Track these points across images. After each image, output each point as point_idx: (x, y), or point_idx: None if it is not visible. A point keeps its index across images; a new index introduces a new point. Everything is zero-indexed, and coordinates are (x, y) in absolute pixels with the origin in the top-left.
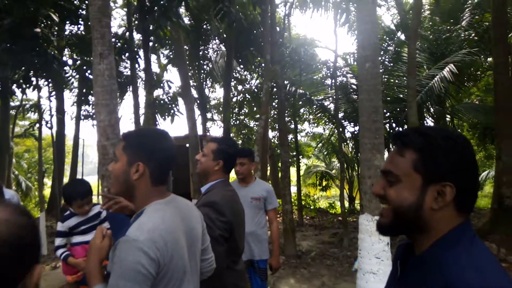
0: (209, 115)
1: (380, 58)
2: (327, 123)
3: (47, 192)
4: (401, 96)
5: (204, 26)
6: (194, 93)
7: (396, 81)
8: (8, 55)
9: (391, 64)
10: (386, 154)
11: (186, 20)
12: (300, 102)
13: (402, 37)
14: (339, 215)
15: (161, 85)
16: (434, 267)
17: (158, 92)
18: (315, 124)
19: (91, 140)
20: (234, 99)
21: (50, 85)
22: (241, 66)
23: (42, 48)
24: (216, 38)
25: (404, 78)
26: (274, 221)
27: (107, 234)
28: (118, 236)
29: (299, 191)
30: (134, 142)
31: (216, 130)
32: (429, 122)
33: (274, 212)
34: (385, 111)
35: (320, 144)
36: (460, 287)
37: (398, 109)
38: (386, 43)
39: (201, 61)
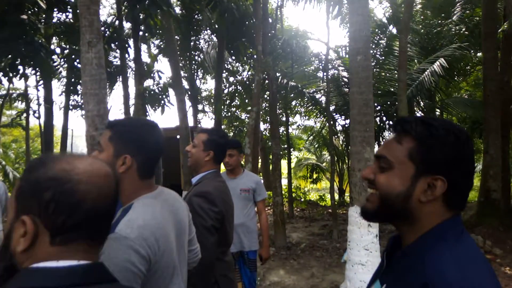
0: (200, 107)
1: (371, 51)
2: (318, 116)
3: None
4: (392, 89)
5: (196, 16)
6: (185, 84)
7: (387, 74)
8: None
9: (383, 57)
10: (376, 147)
11: (177, 10)
12: (292, 95)
13: (394, 30)
14: (329, 208)
15: (152, 75)
16: (416, 261)
17: (148, 83)
18: (307, 117)
19: (80, 131)
20: (226, 91)
21: (38, 74)
22: (233, 58)
23: (29, 36)
24: (208, 28)
25: (395, 71)
26: (263, 212)
27: None
28: None
29: (289, 184)
30: (122, 132)
31: (208, 122)
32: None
33: (263, 204)
34: (375, 104)
35: (311, 137)
36: (438, 284)
37: (388, 102)
38: (378, 37)
39: (192, 52)
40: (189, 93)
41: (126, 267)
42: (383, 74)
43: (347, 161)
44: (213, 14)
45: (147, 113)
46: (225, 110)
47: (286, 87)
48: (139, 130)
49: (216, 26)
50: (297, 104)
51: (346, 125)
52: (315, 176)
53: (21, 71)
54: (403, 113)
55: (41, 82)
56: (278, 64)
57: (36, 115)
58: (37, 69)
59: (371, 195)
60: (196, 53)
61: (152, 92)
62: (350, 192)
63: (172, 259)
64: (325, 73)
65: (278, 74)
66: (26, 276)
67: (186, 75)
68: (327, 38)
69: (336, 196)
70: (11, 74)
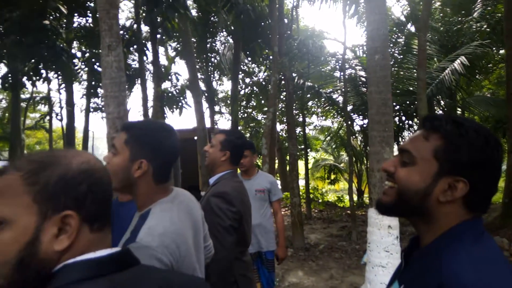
0: (216, 108)
1: (389, 50)
2: (335, 116)
3: None
4: (411, 88)
5: (212, 18)
6: (202, 86)
7: (406, 73)
8: (17, 47)
9: (401, 56)
10: (395, 147)
11: (194, 12)
12: (308, 95)
13: (412, 28)
14: (348, 209)
15: (169, 77)
16: (433, 262)
17: (166, 85)
18: (324, 117)
19: (100, 133)
20: (242, 92)
21: (60, 77)
22: (249, 59)
23: (51, 41)
24: (224, 30)
25: (414, 70)
26: (279, 212)
27: None
28: (118, 229)
29: (307, 184)
30: (139, 136)
31: (224, 123)
32: None
33: (279, 203)
34: (394, 104)
35: (329, 138)
36: (453, 285)
37: (407, 102)
38: (396, 35)
39: (208, 54)
40: (206, 94)
41: None
42: (402, 73)
43: (365, 161)
44: (229, 16)
45: (165, 115)
46: (242, 111)
47: (303, 87)
48: (155, 134)
49: (232, 27)
50: (314, 105)
51: (364, 125)
52: (332, 177)
53: (44, 75)
54: (422, 113)
55: (63, 85)
56: (294, 64)
57: (59, 117)
58: (59, 73)
59: (389, 189)
60: (212, 55)
61: (170, 94)
62: (369, 193)
63: (192, 262)
64: (342, 73)
65: (294, 75)
66: (71, 271)
67: (202, 77)
68: (344, 37)
69: (355, 197)
70: (34, 78)
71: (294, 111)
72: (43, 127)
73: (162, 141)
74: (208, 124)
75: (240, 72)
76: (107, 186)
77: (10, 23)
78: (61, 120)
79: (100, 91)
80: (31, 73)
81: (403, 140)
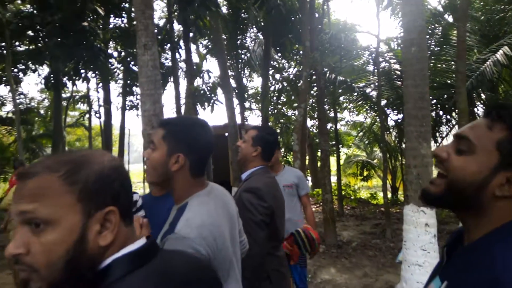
0: (247, 105)
1: (426, 41)
2: (368, 111)
3: None
4: (449, 81)
5: (242, 15)
6: (232, 82)
7: (444, 65)
8: (59, 49)
9: (438, 48)
10: (432, 143)
11: (224, 10)
12: (340, 90)
13: (450, 19)
14: (381, 206)
15: (201, 75)
16: (483, 257)
17: (197, 82)
18: (356, 113)
19: (135, 130)
20: (272, 88)
21: (98, 77)
22: (279, 54)
23: (89, 42)
24: (254, 26)
25: (453, 62)
26: (309, 206)
27: (144, 224)
28: (154, 223)
29: (339, 181)
30: (176, 131)
31: (254, 119)
32: (480, 109)
33: (307, 197)
34: (431, 97)
35: (361, 133)
36: (509, 279)
37: (445, 95)
38: (433, 26)
39: (238, 50)
40: (236, 91)
41: None
42: (439, 65)
43: (400, 157)
44: (259, 12)
45: (197, 112)
46: (272, 107)
47: (334, 82)
48: (191, 129)
49: (262, 23)
50: (346, 100)
51: (399, 120)
52: (365, 173)
53: (83, 75)
54: (462, 106)
55: (101, 84)
56: (326, 59)
57: (97, 115)
58: (97, 72)
59: (438, 178)
60: (242, 52)
61: (202, 91)
62: (406, 190)
63: (228, 255)
64: (375, 67)
65: (325, 69)
66: (121, 265)
67: (233, 73)
68: (378, 30)
69: (389, 194)
70: (74, 78)
71: (325, 106)
72: (83, 124)
73: (197, 136)
74: (238, 120)
75: (270, 68)
76: (130, 182)
77: (52, 26)
78: (99, 117)
79: (135, 89)
80: (72, 73)
81: (440, 135)
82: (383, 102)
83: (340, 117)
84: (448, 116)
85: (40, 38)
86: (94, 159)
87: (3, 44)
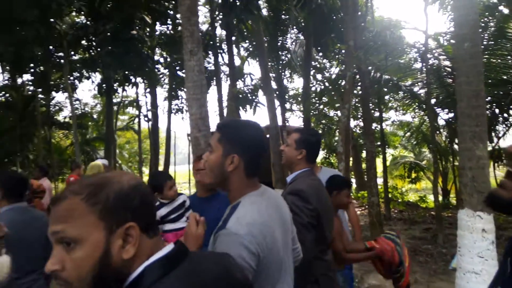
0: (287, 106)
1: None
2: (416, 110)
3: (145, 179)
4: (505, 77)
5: (282, 16)
6: (273, 84)
7: (499, 60)
8: (110, 57)
9: (493, 42)
10: (488, 144)
11: (264, 12)
12: (385, 89)
13: (506, 10)
14: (431, 209)
15: (243, 78)
16: None
17: (239, 85)
18: (402, 112)
19: (180, 133)
20: (313, 88)
21: (145, 82)
22: (320, 54)
23: (138, 49)
24: (294, 27)
25: (509, 57)
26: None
27: (200, 221)
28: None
29: (385, 183)
30: (230, 134)
31: (295, 120)
32: None
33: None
34: (486, 95)
35: (408, 133)
36: None
37: (501, 92)
38: (486, 19)
39: (279, 52)
40: (277, 92)
41: (238, 262)
42: (494, 60)
43: (451, 159)
44: (300, 13)
45: (239, 114)
46: (313, 108)
47: (380, 80)
48: (244, 130)
49: (303, 24)
50: (391, 99)
51: (450, 119)
52: (413, 175)
53: (132, 81)
54: None
55: (148, 89)
56: (370, 57)
57: (146, 119)
58: (145, 78)
59: (509, 182)
60: (283, 53)
61: (244, 94)
62: (459, 193)
63: (279, 256)
64: (424, 64)
65: (370, 68)
66: (153, 271)
67: (273, 75)
68: (426, 26)
69: (440, 197)
70: (125, 84)
71: (370, 106)
72: (132, 128)
73: (250, 137)
74: (279, 122)
75: (311, 68)
76: (152, 198)
77: (104, 36)
78: (148, 121)
79: (180, 93)
80: (122, 80)
81: (497, 135)
82: (433, 101)
83: (385, 116)
84: (505, 115)
85: (93, 47)
86: (113, 180)
87: (61, 54)
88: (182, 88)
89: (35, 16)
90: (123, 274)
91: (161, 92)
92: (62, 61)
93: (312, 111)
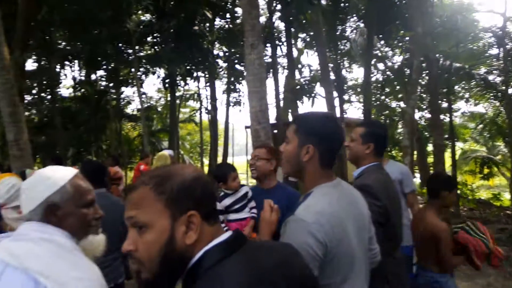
0: (346, 97)
1: None
2: (491, 100)
3: (205, 169)
4: None
5: (341, 4)
6: (331, 75)
7: None
8: (174, 53)
9: None
10: None
11: (323, 1)
12: (455, 78)
13: None
14: (507, 208)
15: (301, 69)
16: None
17: (296, 76)
18: (475, 102)
19: (238, 125)
20: (374, 78)
21: (206, 76)
22: (382, 42)
23: (199, 44)
24: (354, 15)
25: None
26: (415, 205)
27: (274, 208)
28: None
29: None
30: (306, 125)
31: (353, 111)
32: None
33: (414, 195)
34: None
35: (481, 126)
36: None
37: None
38: None
39: (338, 42)
40: (335, 83)
41: (304, 248)
42: None
43: None
44: (362, 0)
45: (297, 106)
46: (374, 98)
47: (449, 69)
48: (320, 121)
49: (364, 11)
50: (461, 88)
51: None
52: (486, 171)
53: (194, 75)
54: None
55: (208, 83)
56: (438, 44)
57: (206, 111)
58: (206, 71)
59: None
60: (342, 42)
61: (302, 85)
62: None
63: (351, 250)
64: (501, 49)
65: (438, 56)
66: (213, 254)
67: (331, 65)
68: (504, 7)
69: None
70: (187, 78)
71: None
72: (193, 120)
73: (325, 127)
74: (337, 113)
75: (373, 58)
76: (212, 188)
77: (168, 32)
78: (209, 113)
79: (238, 86)
80: (184, 74)
81: None
82: (510, 90)
83: (455, 107)
84: None
85: (158, 44)
86: (177, 172)
87: (130, 51)
88: (240, 81)
89: (109, 16)
90: (186, 257)
91: (219, 86)
92: (130, 57)
93: (373, 102)
